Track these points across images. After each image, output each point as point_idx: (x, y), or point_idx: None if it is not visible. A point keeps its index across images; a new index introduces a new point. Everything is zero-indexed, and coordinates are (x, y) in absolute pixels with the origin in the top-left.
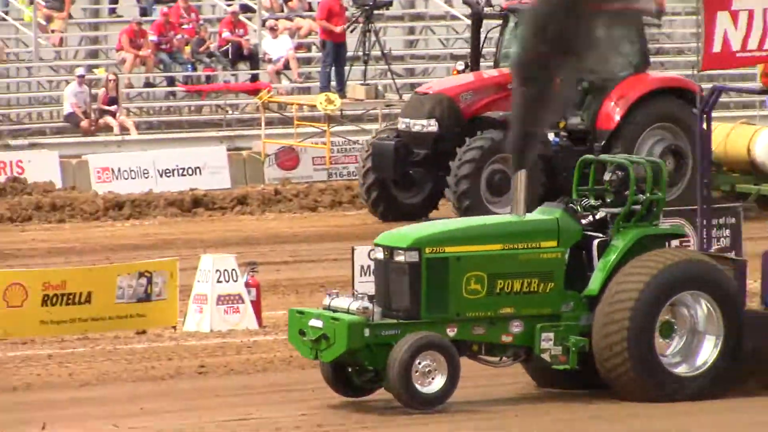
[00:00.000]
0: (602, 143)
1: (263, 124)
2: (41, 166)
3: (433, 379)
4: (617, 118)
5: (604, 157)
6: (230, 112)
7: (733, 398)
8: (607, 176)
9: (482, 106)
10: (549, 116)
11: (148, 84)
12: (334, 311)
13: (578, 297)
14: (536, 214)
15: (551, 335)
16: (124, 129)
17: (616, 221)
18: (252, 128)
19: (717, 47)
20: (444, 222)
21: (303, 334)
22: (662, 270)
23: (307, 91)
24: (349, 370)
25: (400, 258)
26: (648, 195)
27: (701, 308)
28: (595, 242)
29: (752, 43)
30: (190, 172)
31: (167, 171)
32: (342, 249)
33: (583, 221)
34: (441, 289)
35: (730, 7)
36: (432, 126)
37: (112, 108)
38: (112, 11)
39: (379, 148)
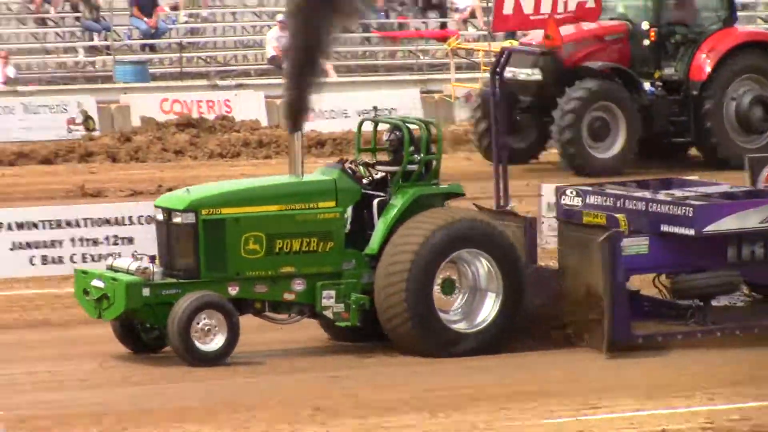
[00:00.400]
0: (695, 92)
1: (452, 68)
2: (247, 105)
3: (213, 336)
4: (708, 69)
5: (380, 118)
6: (421, 57)
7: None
8: (385, 137)
9: (582, 57)
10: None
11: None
12: (116, 271)
13: (360, 255)
14: (314, 175)
15: (332, 293)
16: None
17: (395, 181)
18: (442, 72)
19: (508, 10)
20: (222, 183)
21: (87, 293)
22: (437, 229)
23: (491, 38)
24: (138, 326)
25: (177, 219)
26: (423, 155)
27: (482, 266)
28: (375, 201)
29: (545, 7)
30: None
31: (365, 111)
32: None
33: (364, 181)
34: (219, 249)
35: None
36: (536, 75)
37: None
38: None
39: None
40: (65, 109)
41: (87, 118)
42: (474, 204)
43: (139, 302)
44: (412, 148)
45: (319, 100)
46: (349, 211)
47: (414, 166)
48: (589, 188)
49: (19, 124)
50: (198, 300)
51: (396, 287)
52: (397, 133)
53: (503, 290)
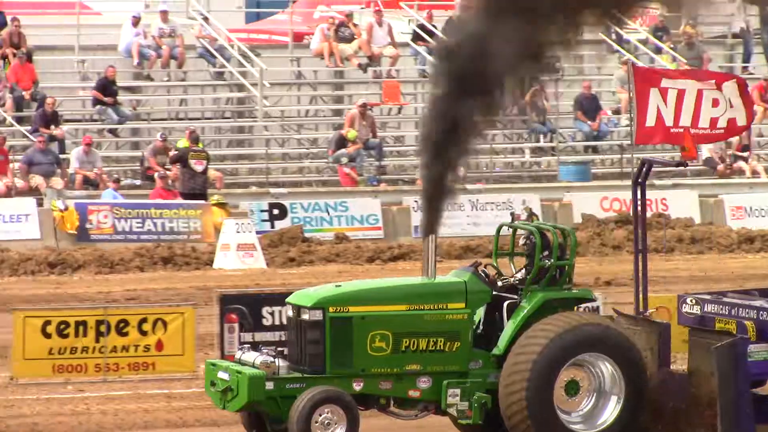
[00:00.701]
0: None
1: None
2: (682, 204)
3: (333, 430)
4: None
5: (518, 224)
6: None
7: None
8: (521, 242)
9: None
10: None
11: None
12: (243, 364)
13: (487, 356)
14: (447, 277)
15: (458, 391)
16: (755, 173)
17: (525, 284)
18: None
19: (651, 122)
20: (353, 283)
21: (213, 384)
22: (561, 333)
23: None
24: (265, 417)
25: (305, 316)
26: (554, 260)
27: (606, 369)
28: (506, 304)
29: (684, 120)
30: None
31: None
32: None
33: (499, 284)
34: (345, 346)
35: (659, 85)
36: None
37: (744, 154)
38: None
39: None
40: (510, 206)
41: (531, 215)
42: (613, 309)
43: (261, 395)
44: (546, 253)
45: (750, 200)
46: (481, 311)
47: (546, 271)
48: (708, 297)
49: (467, 219)
50: (320, 394)
51: (517, 386)
52: (532, 239)
53: (625, 394)
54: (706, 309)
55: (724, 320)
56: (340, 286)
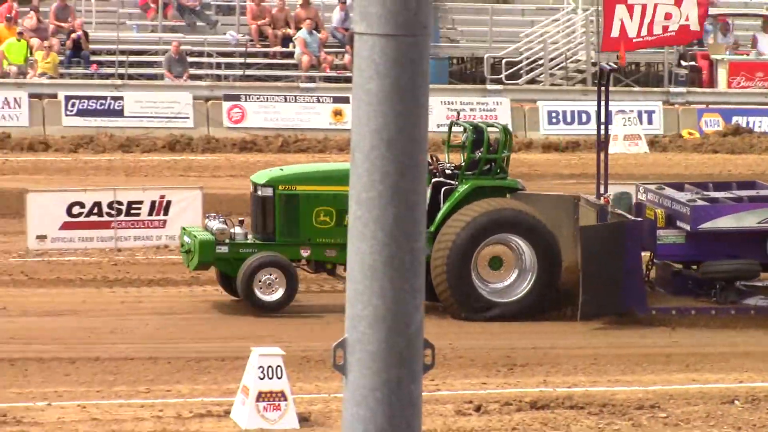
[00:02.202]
0: None
1: None
2: None
3: (276, 289)
4: None
5: (461, 122)
6: None
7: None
8: (462, 137)
9: None
10: None
11: None
12: (206, 230)
13: (431, 231)
14: None
15: None
16: None
17: (460, 173)
18: None
19: (615, 33)
20: (304, 165)
21: (182, 246)
22: (479, 215)
23: None
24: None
25: (259, 192)
26: (483, 153)
27: (523, 248)
28: (443, 189)
29: (643, 31)
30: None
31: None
32: None
33: (448, 172)
34: (292, 219)
35: (626, 2)
36: None
37: None
38: None
39: None
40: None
41: (458, 115)
42: (580, 194)
43: (210, 257)
44: (482, 150)
45: None
46: (427, 195)
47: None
48: (652, 187)
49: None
50: (263, 258)
51: (441, 260)
52: (470, 135)
53: (537, 271)
54: (647, 198)
55: (651, 208)
56: (283, 168)
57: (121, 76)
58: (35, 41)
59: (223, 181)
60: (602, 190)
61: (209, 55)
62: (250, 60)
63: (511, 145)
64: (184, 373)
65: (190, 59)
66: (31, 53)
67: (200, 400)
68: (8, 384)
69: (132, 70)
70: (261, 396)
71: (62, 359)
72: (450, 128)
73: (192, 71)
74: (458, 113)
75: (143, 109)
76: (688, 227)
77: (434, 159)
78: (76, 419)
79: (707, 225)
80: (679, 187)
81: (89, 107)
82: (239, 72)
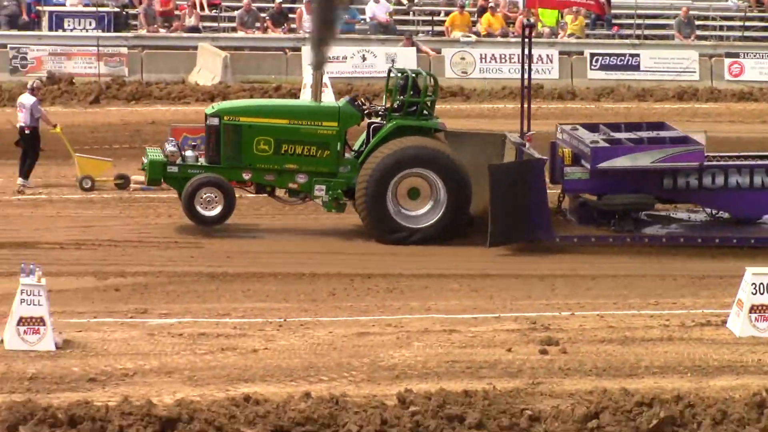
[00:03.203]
0: None
1: None
2: None
3: (215, 206)
4: None
5: (393, 68)
6: None
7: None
8: (392, 83)
9: None
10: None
11: None
12: (162, 153)
13: (355, 163)
14: (326, 103)
15: (323, 187)
16: None
17: (388, 114)
18: None
19: None
20: (252, 100)
21: (142, 165)
22: (395, 151)
23: None
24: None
25: (209, 122)
26: (407, 96)
27: (437, 181)
28: (372, 127)
29: None
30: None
31: None
32: None
33: (380, 111)
34: (236, 146)
35: None
36: None
37: None
38: None
39: None
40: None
41: (392, 63)
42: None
43: (159, 175)
44: (412, 93)
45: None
46: (364, 134)
47: (404, 105)
48: (568, 128)
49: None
50: (204, 178)
51: (361, 189)
52: (396, 80)
53: (447, 203)
54: (562, 138)
55: (561, 147)
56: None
57: (638, 37)
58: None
59: (724, 126)
60: (526, 130)
61: (713, 19)
62: (748, 23)
63: (436, 90)
64: (687, 289)
65: (696, 22)
66: (561, 17)
67: (701, 311)
68: (538, 296)
69: (647, 32)
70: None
71: (585, 276)
72: (388, 75)
73: (698, 32)
74: (393, 61)
75: (656, 65)
76: (588, 166)
77: (369, 101)
78: (595, 326)
79: (605, 164)
80: (594, 127)
81: (610, 63)
82: (739, 33)
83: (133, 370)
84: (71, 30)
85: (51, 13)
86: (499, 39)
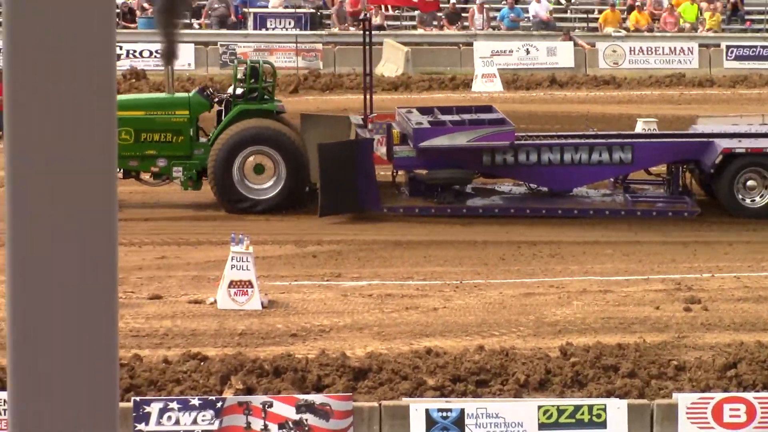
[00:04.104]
0: None
1: None
2: None
3: None
4: None
5: (238, 59)
6: None
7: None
8: (238, 71)
9: None
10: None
11: None
12: None
13: (207, 146)
14: (178, 95)
15: (180, 168)
16: None
17: (233, 100)
18: None
19: None
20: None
21: None
22: (237, 131)
23: None
24: None
25: None
26: (248, 84)
27: (276, 157)
28: (221, 112)
29: None
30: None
31: None
32: None
33: (224, 100)
34: None
35: None
36: None
37: None
38: None
39: None
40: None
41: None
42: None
43: None
44: (252, 81)
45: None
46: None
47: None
48: (403, 111)
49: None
50: None
51: (211, 168)
52: (234, 69)
53: (285, 176)
54: (397, 120)
55: (394, 128)
56: None
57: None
58: (704, 4)
59: None
60: (369, 113)
61: None
62: None
63: (274, 77)
64: None
65: None
66: (700, 13)
67: None
68: (682, 260)
69: None
70: None
71: (722, 242)
72: (235, 66)
73: None
74: (234, 55)
75: None
76: (412, 145)
77: (216, 91)
78: (732, 287)
79: (426, 143)
80: (428, 111)
81: (744, 54)
82: None
83: (329, 327)
84: (273, 29)
85: (256, 14)
86: (646, 34)
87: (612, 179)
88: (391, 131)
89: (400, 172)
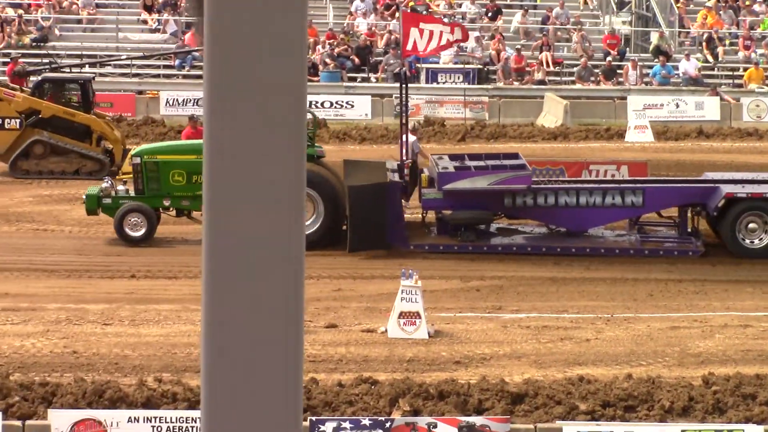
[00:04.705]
0: None
1: None
2: None
3: (140, 228)
4: None
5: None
6: None
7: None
8: None
9: None
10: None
11: None
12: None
13: None
14: None
15: None
16: None
17: None
18: None
19: (409, 47)
20: (168, 142)
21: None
22: None
23: None
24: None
25: (133, 161)
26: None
27: (316, 197)
28: None
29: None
30: None
31: None
32: None
33: None
34: (155, 178)
35: (418, 26)
36: None
37: None
38: None
39: None
40: None
41: None
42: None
43: (93, 206)
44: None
45: None
46: None
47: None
48: (437, 157)
49: None
50: (130, 206)
51: None
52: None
53: (324, 215)
54: (430, 165)
55: (423, 173)
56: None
57: None
58: None
59: None
60: (405, 158)
61: None
62: None
63: (315, 125)
64: None
65: None
66: None
67: None
68: None
69: None
70: None
71: None
72: None
73: None
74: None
75: None
76: (438, 188)
77: None
78: None
79: (449, 186)
80: (460, 157)
81: None
82: None
83: (490, 355)
84: (444, 83)
85: (428, 69)
86: None
87: (628, 220)
88: (420, 175)
89: (429, 213)
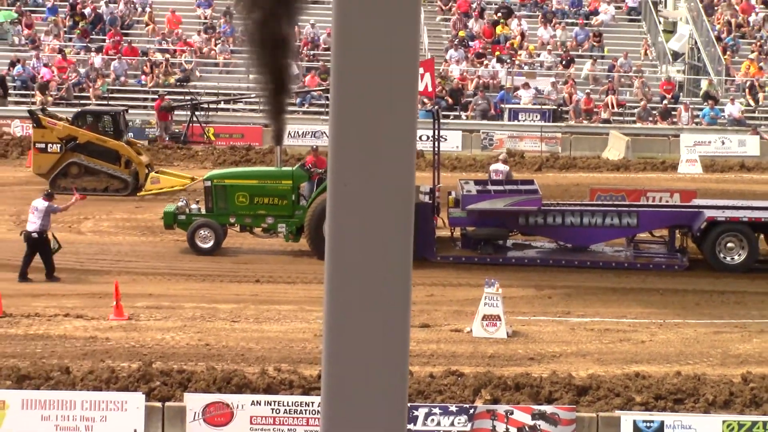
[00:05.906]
0: None
1: None
2: None
3: (209, 241)
4: None
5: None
6: None
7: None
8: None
9: None
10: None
11: None
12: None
13: (305, 208)
14: (285, 168)
15: (284, 225)
16: None
17: (324, 175)
18: None
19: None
20: (235, 168)
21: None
22: (323, 200)
23: None
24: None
25: (204, 184)
26: None
27: None
28: (316, 181)
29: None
30: None
31: None
32: None
33: (321, 173)
34: (223, 199)
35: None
36: None
37: None
38: None
39: None
40: None
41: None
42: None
43: (171, 221)
44: None
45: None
46: (307, 187)
47: None
48: (464, 181)
49: None
50: (201, 221)
51: (307, 225)
52: None
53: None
54: (457, 189)
55: (450, 196)
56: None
57: None
58: None
59: None
60: (437, 183)
61: None
62: None
63: None
64: None
65: None
66: None
67: None
68: None
69: None
70: None
71: None
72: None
73: None
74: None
75: None
76: (461, 208)
77: (313, 166)
78: None
79: (471, 206)
80: (484, 183)
81: None
82: None
83: (559, 353)
84: (523, 120)
85: (510, 109)
86: None
87: (625, 238)
88: (448, 197)
89: (456, 229)
